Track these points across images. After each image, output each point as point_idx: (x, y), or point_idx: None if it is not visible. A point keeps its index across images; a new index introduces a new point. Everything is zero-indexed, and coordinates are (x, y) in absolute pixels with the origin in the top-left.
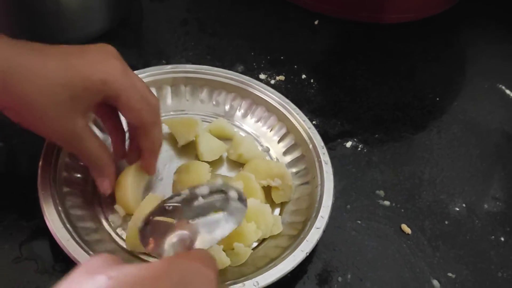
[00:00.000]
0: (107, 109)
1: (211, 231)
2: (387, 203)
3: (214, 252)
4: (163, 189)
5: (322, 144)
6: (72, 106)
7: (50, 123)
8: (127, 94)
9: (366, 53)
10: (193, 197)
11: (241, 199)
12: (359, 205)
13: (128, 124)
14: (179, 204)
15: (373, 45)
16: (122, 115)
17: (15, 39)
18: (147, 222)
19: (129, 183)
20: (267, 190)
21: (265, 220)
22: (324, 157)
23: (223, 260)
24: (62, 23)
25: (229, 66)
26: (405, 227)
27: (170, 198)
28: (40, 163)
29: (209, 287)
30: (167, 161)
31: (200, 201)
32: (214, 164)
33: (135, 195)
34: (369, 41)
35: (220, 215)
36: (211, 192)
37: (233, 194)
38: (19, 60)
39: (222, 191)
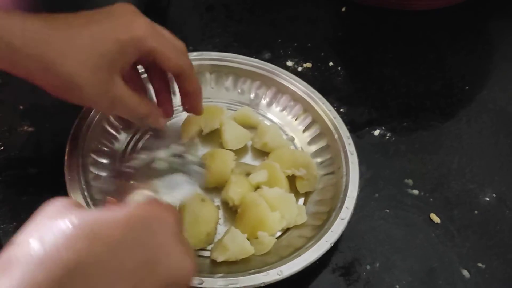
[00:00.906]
0: (153, 70)
1: (172, 192)
2: (415, 192)
3: (238, 240)
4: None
5: (348, 134)
6: (110, 70)
7: (92, 92)
8: (160, 47)
9: (394, 41)
10: (151, 160)
11: (200, 163)
12: (387, 193)
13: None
14: (138, 167)
15: (401, 32)
16: (162, 67)
17: (36, 13)
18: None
19: None
20: (292, 179)
21: (289, 209)
22: (350, 147)
23: (247, 248)
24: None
25: (256, 53)
26: (433, 216)
27: (126, 161)
28: (67, 148)
29: (168, 231)
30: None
31: (159, 164)
32: (239, 152)
33: None
34: (397, 28)
35: (180, 176)
36: (170, 157)
37: (191, 158)
38: (52, 36)
39: (180, 156)
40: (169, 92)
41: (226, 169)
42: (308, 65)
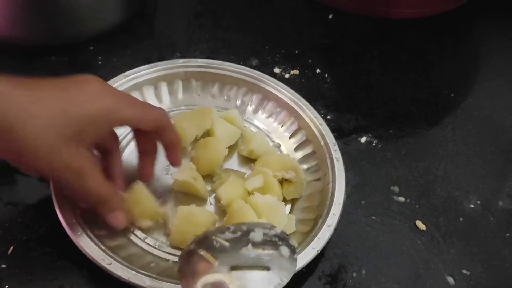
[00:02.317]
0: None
1: (248, 285)
2: (401, 199)
3: None
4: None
5: (334, 141)
6: (77, 142)
7: (57, 163)
8: (132, 112)
9: (380, 49)
10: (243, 240)
11: (293, 257)
12: (373, 200)
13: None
14: (227, 244)
15: (388, 40)
16: (139, 128)
17: (2, 75)
18: (192, 252)
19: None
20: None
21: (277, 218)
22: (336, 154)
23: None
24: (77, 15)
25: (244, 60)
26: (419, 223)
27: (222, 231)
28: None
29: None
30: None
31: (249, 249)
32: (225, 159)
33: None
34: (384, 36)
35: (264, 273)
36: (264, 242)
37: (285, 251)
38: (15, 96)
39: (274, 242)
40: (154, 154)
41: (218, 156)
42: (295, 72)
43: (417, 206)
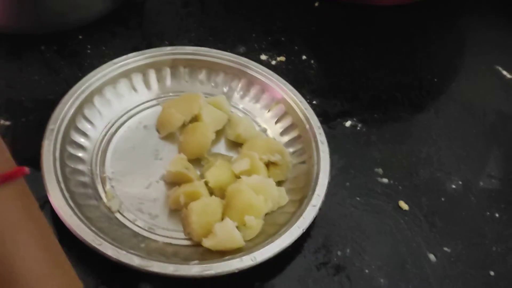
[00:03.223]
0: None
1: None
2: (385, 180)
3: (227, 228)
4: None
5: (319, 124)
6: None
7: None
8: None
9: (366, 35)
10: None
11: None
12: (358, 182)
13: None
14: None
15: (373, 27)
16: None
17: None
18: None
19: None
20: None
21: (271, 193)
22: (321, 137)
23: (236, 238)
24: (66, 4)
25: (231, 47)
26: (402, 204)
27: None
28: (44, 141)
29: None
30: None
31: None
32: (213, 143)
33: None
34: (370, 23)
35: None
36: None
37: None
38: None
39: None
40: None
41: (206, 140)
42: (282, 58)
43: (400, 187)
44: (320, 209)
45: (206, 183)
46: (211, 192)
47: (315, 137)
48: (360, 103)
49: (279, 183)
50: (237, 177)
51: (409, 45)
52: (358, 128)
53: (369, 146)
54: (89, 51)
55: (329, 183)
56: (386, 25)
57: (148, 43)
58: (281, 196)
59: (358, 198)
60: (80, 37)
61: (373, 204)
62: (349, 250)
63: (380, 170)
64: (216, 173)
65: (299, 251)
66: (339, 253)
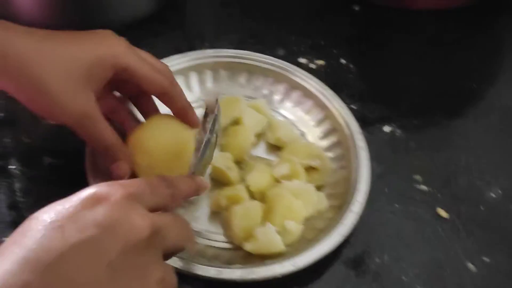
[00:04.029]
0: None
1: None
2: (424, 187)
3: (268, 233)
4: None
5: (359, 130)
6: (85, 84)
7: (64, 104)
8: (136, 65)
9: (405, 40)
10: None
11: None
12: (396, 189)
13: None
14: None
15: (412, 32)
16: (143, 87)
17: (16, 24)
18: None
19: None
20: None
21: (310, 198)
22: (361, 143)
23: (277, 243)
24: (110, 2)
25: (270, 50)
26: (441, 211)
27: None
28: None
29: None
30: None
31: None
32: (253, 146)
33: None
34: (409, 27)
35: None
36: None
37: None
38: (29, 45)
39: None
40: (158, 111)
41: (247, 143)
42: (321, 62)
43: (439, 195)
44: (359, 215)
45: (247, 187)
46: (252, 196)
47: (354, 143)
48: (399, 108)
49: (318, 188)
50: (277, 181)
51: (448, 50)
52: (397, 134)
53: (408, 153)
54: None
55: (368, 189)
56: (425, 29)
57: (189, 44)
58: (320, 201)
59: (397, 205)
60: (123, 36)
61: (411, 212)
62: (387, 257)
63: (419, 177)
64: (257, 177)
65: (338, 257)
66: (377, 260)
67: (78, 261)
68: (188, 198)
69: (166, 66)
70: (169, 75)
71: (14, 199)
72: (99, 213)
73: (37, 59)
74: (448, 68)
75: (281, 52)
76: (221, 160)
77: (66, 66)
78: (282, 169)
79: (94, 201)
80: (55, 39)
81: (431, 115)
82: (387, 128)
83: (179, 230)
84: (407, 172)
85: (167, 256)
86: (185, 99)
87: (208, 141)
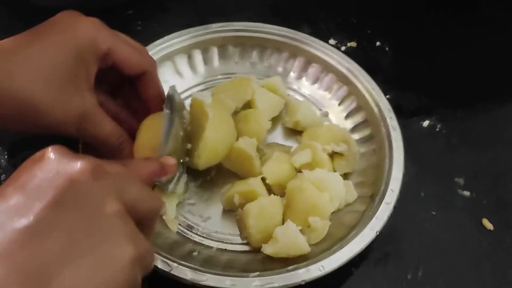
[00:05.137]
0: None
1: None
2: (467, 193)
3: (290, 233)
4: None
5: (389, 107)
6: (73, 85)
7: (54, 113)
8: (116, 46)
9: (451, 20)
10: None
11: None
12: (434, 193)
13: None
14: None
15: (459, 11)
16: (122, 70)
17: None
18: None
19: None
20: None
21: (337, 189)
22: (392, 121)
23: (301, 244)
24: None
25: (295, 28)
26: (486, 222)
27: None
28: None
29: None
30: None
31: None
32: (268, 132)
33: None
34: (456, 5)
35: None
36: None
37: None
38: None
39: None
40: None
41: (261, 130)
42: (353, 44)
43: (484, 202)
44: (394, 206)
45: (263, 180)
46: (269, 189)
47: (385, 121)
48: (441, 98)
49: (346, 176)
50: (298, 171)
51: (499, 32)
52: (438, 128)
53: (450, 151)
54: (139, 27)
55: (400, 192)
56: (475, 9)
57: (202, 20)
58: (349, 191)
59: (433, 212)
60: (130, 12)
61: (451, 220)
62: (421, 273)
63: (461, 180)
64: (274, 168)
65: (360, 269)
66: (409, 276)
67: (19, 206)
68: (154, 179)
69: (143, 47)
70: (149, 56)
71: None
72: (45, 160)
73: (14, 72)
74: (500, 53)
75: (306, 30)
76: (245, 144)
77: (37, 68)
78: (303, 157)
79: (43, 155)
80: (20, 42)
81: (479, 106)
82: (426, 122)
83: (136, 182)
84: (447, 174)
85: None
86: (162, 87)
87: (171, 120)
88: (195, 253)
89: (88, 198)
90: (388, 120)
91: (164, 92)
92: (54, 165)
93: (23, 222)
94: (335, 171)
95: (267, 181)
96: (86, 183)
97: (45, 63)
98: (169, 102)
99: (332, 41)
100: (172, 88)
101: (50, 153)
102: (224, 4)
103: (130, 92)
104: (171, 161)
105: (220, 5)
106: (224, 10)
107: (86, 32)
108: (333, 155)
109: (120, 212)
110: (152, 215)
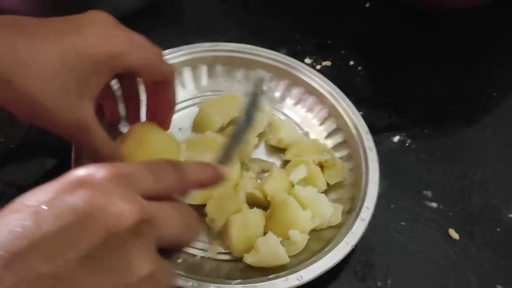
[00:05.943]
0: (124, 77)
1: None
2: (434, 204)
3: (271, 244)
4: None
5: (366, 129)
6: (79, 92)
7: (57, 115)
8: (141, 61)
9: (421, 40)
10: None
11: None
12: (403, 205)
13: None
14: None
15: (429, 31)
16: (142, 77)
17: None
18: None
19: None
20: None
21: (321, 209)
22: (369, 143)
23: (280, 255)
24: None
25: (272, 48)
26: (452, 232)
27: None
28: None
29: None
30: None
31: None
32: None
33: None
34: (425, 27)
35: None
36: None
37: None
38: (15, 47)
39: None
40: (139, 99)
41: (248, 146)
42: (327, 63)
43: (450, 214)
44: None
45: (265, 196)
46: (250, 202)
47: (362, 143)
48: (410, 116)
49: (337, 186)
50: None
51: (468, 53)
52: (407, 144)
53: (418, 165)
54: None
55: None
56: (443, 29)
57: (185, 40)
58: (334, 215)
59: (403, 223)
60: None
61: (419, 231)
62: (390, 281)
63: (429, 193)
64: (274, 186)
65: (335, 278)
66: (379, 284)
67: (49, 251)
68: (202, 188)
69: (161, 51)
70: (165, 60)
71: None
72: (78, 197)
73: (17, 59)
74: (468, 73)
75: (283, 51)
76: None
77: (54, 70)
78: (300, 173)
79: (77, 184)
80: (40, 33)
81: (445, 124)
82: (396, 138)
83: (179, 220)
84: (416, 187)
85: (167, 252)
86: (175, 94)
87: (246, 124)
88: (179, 261)
89: (123, 261)
90: (365, 142)
91: (175, 102)
92: (95, 203)
93: (48, 268)
94: (328, 183)
95: (268, 198)
96: (124, 240)
97: (62, 66)
98: (251, 102)
99: (308, 60)
100: (259, 80)
101: (97, 177)
102: (205, 25)
103: (130, 82)
104: (225, 173)
105: (200, 26)
106: (205, 31)
107: (112, 47)
108: (322, 167)
109: (151, 276)
110: (184, 247)
